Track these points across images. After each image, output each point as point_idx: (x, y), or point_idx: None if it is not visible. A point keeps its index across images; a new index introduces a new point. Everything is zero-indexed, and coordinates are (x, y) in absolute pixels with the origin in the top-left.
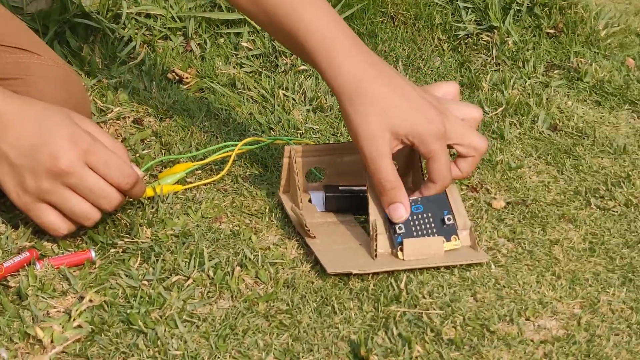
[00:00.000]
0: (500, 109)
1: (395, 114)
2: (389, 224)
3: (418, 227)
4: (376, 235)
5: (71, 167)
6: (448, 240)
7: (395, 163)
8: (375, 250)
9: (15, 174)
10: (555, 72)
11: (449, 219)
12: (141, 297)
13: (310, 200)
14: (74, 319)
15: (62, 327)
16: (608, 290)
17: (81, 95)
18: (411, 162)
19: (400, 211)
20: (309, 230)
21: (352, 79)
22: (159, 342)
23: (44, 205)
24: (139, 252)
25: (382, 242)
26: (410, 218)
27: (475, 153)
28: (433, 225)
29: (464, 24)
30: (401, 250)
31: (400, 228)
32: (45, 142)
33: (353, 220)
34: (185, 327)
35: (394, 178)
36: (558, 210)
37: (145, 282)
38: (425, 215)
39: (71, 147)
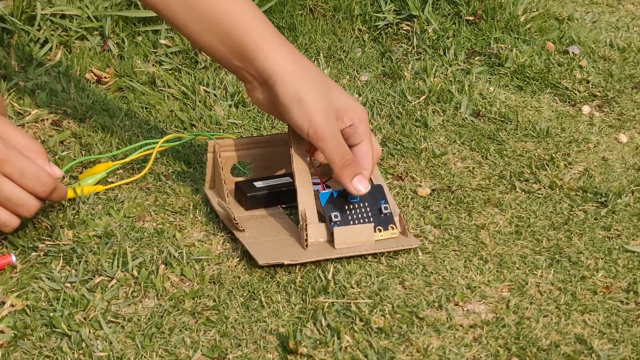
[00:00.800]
0: (423, 97)
1: (335, 95)
2: (326, 213)
3: (355, 217)
4: (306, 225)
5: None
6: (385, 229)
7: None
8: (306, 240)
9: None
10: (477, 58)
11: (385, 208)
12: (64, 299)
13: None
14: None
15: None
16: (536, 273)
17: None
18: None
19: (365, 181)
20: (237, 224)
21: (288, 60)
22: (83, 344)
23: None
24: (61, 255)
25: (313, 232)
26: (346, 207)
27: (376, 155)
28: (370, 214)
29: (383, 13)
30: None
31: (336, 216)
32: None
33: (281, 213)
34: (110, 327)
35: (350, 152)
36: (483, 195)
37: (68, 285)
38: (362, 205)
39: None
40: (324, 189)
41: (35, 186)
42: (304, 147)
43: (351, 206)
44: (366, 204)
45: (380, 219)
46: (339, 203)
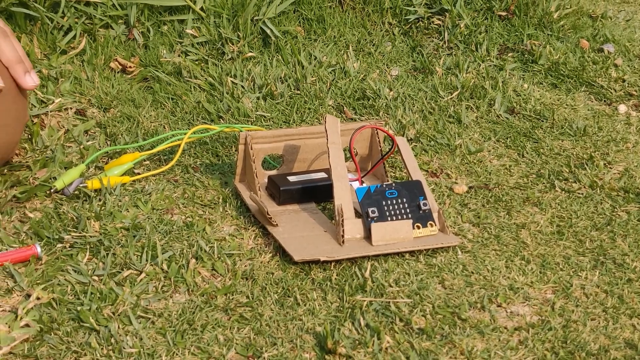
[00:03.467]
0: (456, 92)
1: None
2: (363, 209)
3: (392, 213)
4: (342, 220)
5: None
6: (424, 226)
7: (355, 149)
8: (343, 236)
9: None
10: (509, 54)
11: (424, 204)
12: (92, 293)
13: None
14: (21, 318)
15: (9, 327)
16: (580, 274)
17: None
18: (371, 151)
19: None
20: (271, 218)
21: None
22: (112, 340)
23: None
24: (88, 247)
25: (349, 228)
26: (384, 203)
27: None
28: (408, 210)
29: (414, 7)
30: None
31: (373, 212)
32: None
33: (314, 207)
34: (139, 323)
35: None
36: (522, 193)
37: (96, 278)
38: (400, 201)
39: None
40: (362, 184)
41: None
42: (340, 140)
43: (389, 202)
44: (404, 199)
45: (418, 216)
46: (376, 198)
